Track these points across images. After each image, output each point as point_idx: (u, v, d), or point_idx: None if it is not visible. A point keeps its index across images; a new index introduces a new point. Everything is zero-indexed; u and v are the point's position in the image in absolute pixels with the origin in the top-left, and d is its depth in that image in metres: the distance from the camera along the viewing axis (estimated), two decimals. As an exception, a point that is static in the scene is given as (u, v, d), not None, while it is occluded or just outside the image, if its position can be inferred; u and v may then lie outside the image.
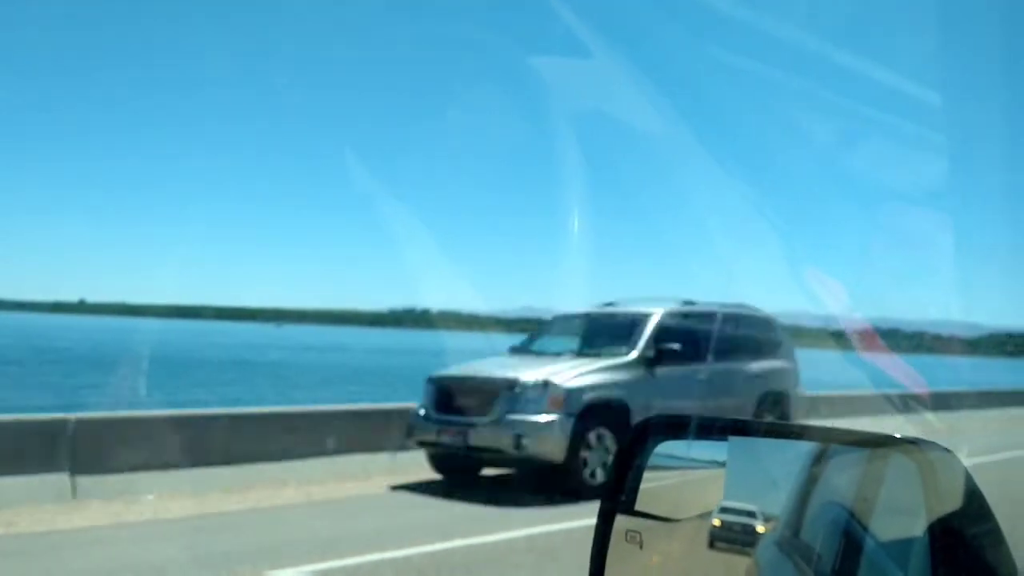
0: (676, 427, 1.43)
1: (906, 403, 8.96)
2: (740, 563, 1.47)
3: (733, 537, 1.42)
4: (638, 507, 1.39)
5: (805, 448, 1.44)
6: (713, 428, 1.42)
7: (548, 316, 11.55)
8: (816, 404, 13.15)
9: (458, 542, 6.40)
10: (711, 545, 1.41)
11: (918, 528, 1.18)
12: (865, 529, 1.45)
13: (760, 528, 1.44)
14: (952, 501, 1.14)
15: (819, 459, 1.47)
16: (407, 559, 5.88)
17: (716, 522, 1.42)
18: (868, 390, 12.27)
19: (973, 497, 1.15)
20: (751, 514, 1.44)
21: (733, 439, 1.39)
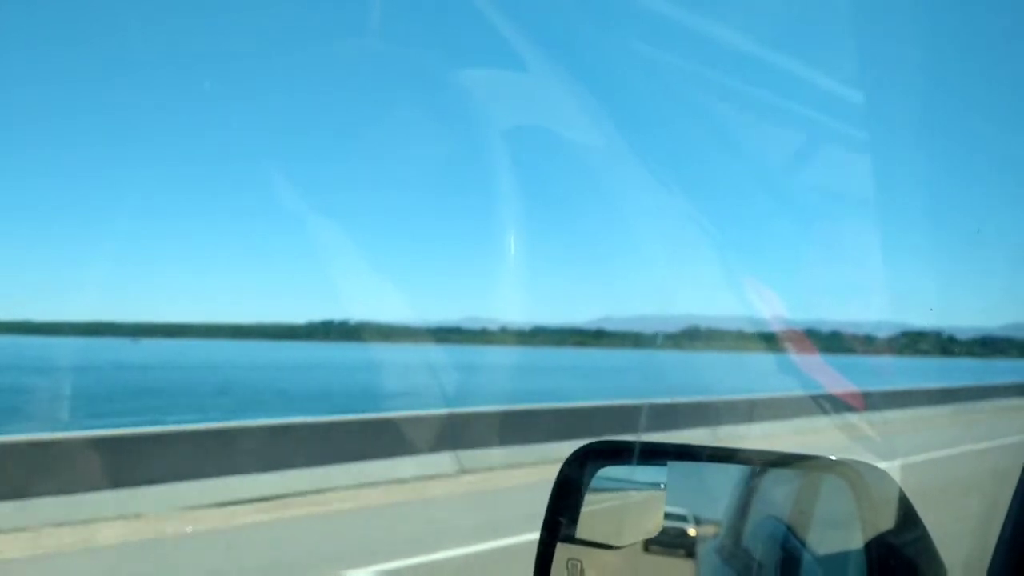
0: (615, 452, 1.45)
1: (835, 406, 9.29)
2: (679, 569, 1.50)
3: (667, 540, 1.45)
4: (579, 534, 1.40)
5: (742, 466, 1.48)
6: (652, 452, 1.44)
7: (492, 325, 11.53)
8: (751, 407, 13.52)
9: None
10: (646, 549, 1.44)
11: (853, 542, 1.23)
12: (803, 543, 1.50)
13: (692, 531, 1.48)
14: (885, 515, 1.20)
15: (756, 473, 1.52)
16: None
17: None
18: (800, 393, 12.69)
19: (903, 509, 1.21)
20: (683, 518, 1.48)
21: (672, 463, 1.41)
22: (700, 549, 1.52)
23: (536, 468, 9.90)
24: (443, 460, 9.88)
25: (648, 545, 1.45)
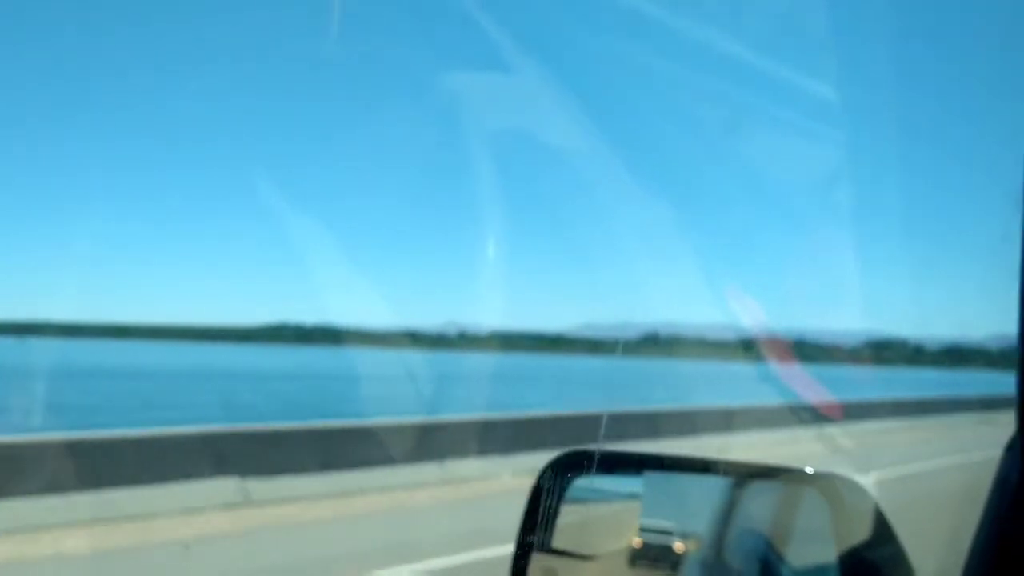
0: (591, 462, 1.46)
1: (813, 416, 9.38)
2: None
3: (653, 555, 1.46)
4: (555, 544, 1.40)
5: (720, 478, 1.50)
6: (629, 463, 1.46)
7: (472, 331, 11.38)
8: (728, 417, 13.60)
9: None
10: (632, 564, 1.45)
11: (830, 555, 1.26)
12: (781, 558, 1.52)
13: (678, 546, 1.50)
14: (860, 529, 1.22)
15: (737, 486, 1.54)
16: None
17: (636, 542, 1.46)
18: (778, 402, 12.77)
19: (878, 523, 1.23)
20: (668, 533, 1.49)
21: (649, 473, 1.43)
22: (683, 563, 1.54)
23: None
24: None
25: (634, 560, 1.46)
